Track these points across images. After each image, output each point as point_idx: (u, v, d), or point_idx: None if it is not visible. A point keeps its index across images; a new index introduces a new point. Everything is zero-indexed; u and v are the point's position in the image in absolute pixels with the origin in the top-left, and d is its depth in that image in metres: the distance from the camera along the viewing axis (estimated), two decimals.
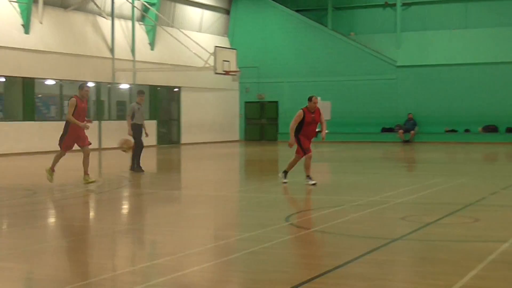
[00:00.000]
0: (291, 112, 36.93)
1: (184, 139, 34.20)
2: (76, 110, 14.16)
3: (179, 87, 34.17)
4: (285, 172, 14.50)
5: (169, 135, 34.27)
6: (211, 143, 34.86)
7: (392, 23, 37.44)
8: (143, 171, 17.15)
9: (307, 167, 14.12)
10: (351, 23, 38.60)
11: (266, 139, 37.95)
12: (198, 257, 7.38)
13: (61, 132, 14.40)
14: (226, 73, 30.23)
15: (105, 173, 18.51)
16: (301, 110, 14.26)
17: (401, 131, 34.77)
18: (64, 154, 14.54)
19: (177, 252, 7.58)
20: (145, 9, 32.36)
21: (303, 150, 14.17)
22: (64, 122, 14.58)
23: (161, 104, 33.62)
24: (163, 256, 7.44)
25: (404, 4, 37.14)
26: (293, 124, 14.19)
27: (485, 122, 34.06)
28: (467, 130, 34.35)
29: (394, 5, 37.26)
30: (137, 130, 17.45)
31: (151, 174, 17.66)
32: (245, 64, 35.81)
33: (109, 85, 30.61)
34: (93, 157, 25.00)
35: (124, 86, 31.43)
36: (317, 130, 14.89)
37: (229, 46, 36.66)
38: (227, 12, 38.85)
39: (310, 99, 14.34)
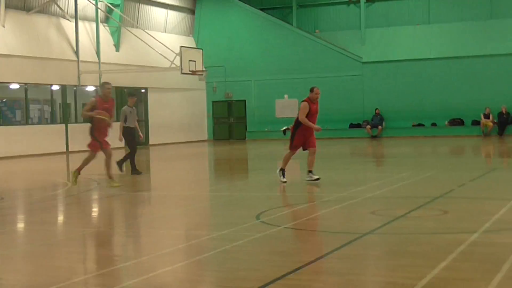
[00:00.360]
0: (259, 110, 37.27)
1: (152, 140, 34.04)
2: (97, 110, 13.40)
3: (145, 88, 34.00)
4: (282, 170, 14.10)
5: (137, 137, 34.06)
6: (180, 143, 34.75)
7: (357, 20, 37.69)
8: (140, 172, 17.12)
9: (309, 163, 13.93)
10: (316, 21, 38.79)
11: (234, 138, 37.94)
12: (170, 258, 7.35)
13: (89, 134, 13.74)
14: (193, 73, 30.17)
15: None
16: (305, 102, 13.91)
17: (368, 126, 35.01)
18: (94, 157, 13.91)
19: (149, 253, 7.54)
20: (108, 11, 32.13)
21: (292, 146, 13.97)
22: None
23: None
24: (135, 257, 7.40)
25: (367, 1, 37.41)
26: (302, 116, 13.74)
27: (451, 115, 34.44)
28: (433, 124, 34.70)
29: (358, 2, 37.52)
30: (130, 134, 17.19)
31: (121, 176, 17.51)
32: (211, 63, 35.78)
33: (74, 88, 30.33)
34: (60, 160, 24.83)
35: (90, 88, 31.18)
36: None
37: (194, 46, 36.59)
38: (191, 12, 38.75)
39: (312, 89, 14.11)
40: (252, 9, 38.28)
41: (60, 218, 11.15)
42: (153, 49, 31.00)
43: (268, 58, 37.51)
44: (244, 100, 37.96)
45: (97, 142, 13.60)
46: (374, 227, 8.62)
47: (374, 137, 34.49)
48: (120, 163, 17.17)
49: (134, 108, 17.38)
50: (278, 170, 14.14)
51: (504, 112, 33.15)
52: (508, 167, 17.88)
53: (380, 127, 34.73)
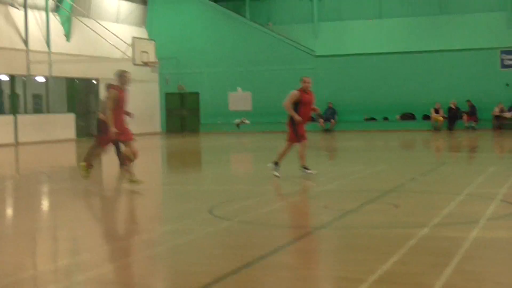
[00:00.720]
0: (212, 102, 37.15)
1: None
2: (119, 102, 12.64)
3: (97, 79, 33.58)
4: (276, 163, 13.53)
5: (88, 128, 33.66)
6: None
7: (310, 13, 37.83)
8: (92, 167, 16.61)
9: (302, 156, 13.52)
10: (269, 13, 38.81)
11: (187, 130, 37.75)
12: (121, 252, 7.27)
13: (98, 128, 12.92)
14: (145, 64, 29.91)
15: (22, 168, 18.02)
16: (296, 90, 13.56)
17: (321, 120, 35.19)
18: (104, 151, 13.55)
19: (99, 247, 7.44)
20: (59, 0, 31.62)
21: (297, 137, 13.44)
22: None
23: (78, 96, 32.97)
24: (85, 252, 7.29)
25: None
26: (287, 103, 13.44)
27: (403, 109, 34.85)
28: (385, 118, 35.05)
29: None
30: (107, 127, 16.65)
31: (71, 169, 17.29)
32: (164, 55, 35.49)
33: (24, 78, 29.79)
34: (9, 152, 24.39)
35: (40, 78, 30.65)
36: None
37: (147, 37, 36.25)
38: (144, 2, 38.37)
39: (302, 79, 13.80)
40: (205, 1, 38.11)
41: (8, 212, 10.93)
42: (105, 39, 30.62)
43: (221, 50, 37.40)
44: (197, 93, 37.79)
45: (106, 137, 12.94)
46: (326, 221, 8.65)
47: (327, 130, 34.68)
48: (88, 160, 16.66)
49: None
50: (272, 163, 13.64)
51: (453, 107, 33.68)
52: (457, 161, 18.17)
53: (332, 120, 34.95)
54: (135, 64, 29.24)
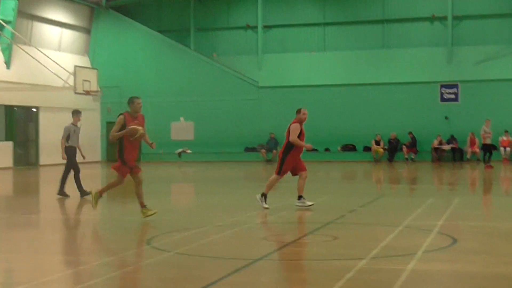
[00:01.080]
0: (154, 132, 36.87)
1: (42, 160, 33.05)
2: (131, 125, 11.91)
3: (37, 107, 33.05)
4: (265, 196, 13.38)
5: (27, 157, 33.04)
6: None
7: (254, 45, 38.12)
8: (87, 193, 15.97)
9: (300, 188, 13.54)
10: (213, 45, 38.95)
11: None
12: (55, 285, 7.09)
13: (118, 155, 12.14)
14: (87, 92, 29.61)
15: None
16: (296, 123, 13.53)
17: (263, 150, 35.31)
18: (122, 182, 12.40)
19: (33, 280, 7.24)
20: (0, 27, 31.13)
21: (281, 171, 13.40)
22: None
23: (17, 124, 32.39)
24: (19, 284, 7.08)
25: (265, 27, 37.91)
26: (294, 136, 13.39)
27: (344, 141, 35.27)
28: (327, 149, 35.37)
29: (256, 27, 37.95)
30: (72, 153, 16.25)
31: (6, 198, 16.89)
32: (106, 83, 35.24)
33: None
34: None
35: None
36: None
37: (89, 66, 35.94)
38: (87, 31, 38.09)
39: (299, 111, 13.81)
40: (149, 31, 38.06)
41: None
42: (46, 67, 30.21)
43: (165, 80, 37.34)
44: None
45: (126, 166, 12.05)
46: (265, 253, 8.62)
47: (268, 161, 34.78)
48: (61, 189, 16.33)
49: (78, 126, 16.48)
50: (259, 195, 13.42)
51: (393, 139, 34.23)
52: (396, 193, 18.40)
53: (274, 151, 35.07)
54: (76, 93, 28.95)
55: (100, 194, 12.51)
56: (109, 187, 12.61)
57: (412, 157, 33.53)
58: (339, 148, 35.25)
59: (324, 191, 18.53)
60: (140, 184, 12.07)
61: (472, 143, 32.96)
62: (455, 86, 34.90)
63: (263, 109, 36.25)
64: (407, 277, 7.20)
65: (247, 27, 38.29)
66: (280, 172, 13.47)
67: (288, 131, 13.56)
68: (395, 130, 34.26)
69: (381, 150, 34.09)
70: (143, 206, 11.95)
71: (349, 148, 35.28)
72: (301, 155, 13.68)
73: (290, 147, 13.48)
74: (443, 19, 35.93)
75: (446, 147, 33.76)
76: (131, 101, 12.24)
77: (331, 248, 9.07)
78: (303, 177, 13.56)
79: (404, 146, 33.93)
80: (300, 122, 13.68)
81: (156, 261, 8.14)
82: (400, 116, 34.73)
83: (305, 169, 13.60)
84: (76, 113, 16.55)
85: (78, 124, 16.57)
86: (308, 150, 13.77)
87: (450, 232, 10.14)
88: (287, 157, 13.46)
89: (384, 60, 35.96)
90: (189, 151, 36.40)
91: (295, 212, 13.07)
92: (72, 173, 16.39)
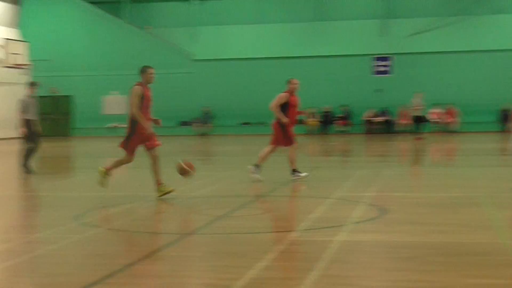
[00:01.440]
0: (87, 106, 36.31)
1: None
2: (144, 101, 11.16)
3: None
4: (257, 166, 13.37)
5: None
6: (1, 140, 33.08)
7: (189, 17, 37.75)
8: (30, 171, 15.28)
9: (292, 160, 13.35)
10: (147, 17, 38.43)
11: (59, 134, 36.68)
12: None
13: (126, 132, 11.28)
14: (16, 66, 28.86)
15: None
16: (284, 93, 13.34)
17: (198, 124, 35.16)
18: (131, 160, 11.46)
19: None
20: None
21: (285, 140, 13.30)
22: (129, 119, 11.29)
23: None
24: None
25: None
26: (275, 105, 13.25)
27: None
28: (261, 123, 35.43)
29: None
30: (31, 127, 15.47)
31: None
32: (37, 57, 34.40)
33: None
34: None
35: None
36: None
37: (20, 39, 34.99)
38: (17, 2, 37.04)
39: (289, 81, 13.62)
40: (82, 2, 37.28)
41: None
42: None
43: (97, 53, 36.70)
44: (70, 96, 36.81)
45: (132, 144, 11.18)
46: (196, 227, 8.58)
47: (203, 135, 34.67)
48: (25, 165, 15.46)
49: (34, 98, 15.65)
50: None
51: (327, 111, 34.52)
52: (329, 165, 18.57)
53: (208, 124, 34.99)
54: (5, 66, 28.15)
55: (107, 171, 11.52)
56: (117, 165, 11.57)
57: (346, 129, 33.91)
58: (273, 121, 35.35)
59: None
60: (157, 160, 11.13)
61: (403, 116, 33.53)
62: (388, 58, 35.36)
63: (198, 83, 36.02)
64: (337, 248, 7.25)
65: None
66: (291, 141, 13.41)
67: None
68: (329, 103, 34.54)
69: (315, 122, 34.33)
70: (159, 183, 11.07)
71: None
72: (292, 127, 13.56)
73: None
74: None
75: (378, 119, 34.24)
76: (143, 70, 11.35)
77: (262, 221, 9.08)
78: (294, 149, 13.54)
79: (337, 119, 34.28)
80: (291, 92, 13.53)
81: (86, 237, 8.01)
82: (334, 89, 35.02)
83: (295, 141, 13.51)
84: (33, 84, 15.90)
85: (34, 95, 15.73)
86: (285, 124, 13.50)
87: (379, 203, 10.28)
88: (286, 125, 13.35)
89: (318, 32, 36.11)
90: (122, 126, 35.95)
91: (228, 185, 13.05)
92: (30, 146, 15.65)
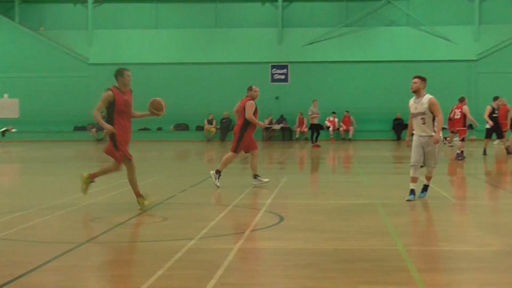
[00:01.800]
0: None
1: None
2: (116, 106, 10.42)
3: None
4: (219, 173, 13.55)
5: None
6: None
7: (84, 20, 37.01)
8: None
9: (254, 166, 13.63)
10: (40, 18, 37.44)
11: None
12: None
13: (108, 139, 10.44)
14: None
15: None
16: (251, 100, 13.48)
17: (94, 129, 34.49)
18: (119, 169, 10.55)
19: None
20: None
21: (237, 148, 13.58)
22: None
23: None
24: None
25: (95, 1, 36.91)
26: (250, 114, 13.36)
27: (177, 120, 35.20)
28: (159, 129, 35.15)
29: (86, 1, 36.85)
30: None
31: None
32: None
33: None
34: None
35: None
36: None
37: None
38: None
39: (250, 88, 13.72)
40: None
41: None
42: None
43: None
44: None
45: (120, 152, 10.33)
46: (92, 235, 8.38)
47: (99, 140, 34.05)
48: None
49: None
50: (214, 172, 13.49)
51: (226, 118, 34.62)
52: (228, 172, 18.55)
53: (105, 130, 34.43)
54: None
55: (91, 178, 10.73)
56: (103, 172, 10.79)
57: None
58: (171, 127, 35.15)
59: (155, 171, 18.34)
60: (134, 171, 10.41)
61: (301, 123, 34.05)
62: (285, 67, 35.84)
63: (93, 87, 35.30)
64: (234, 255, 7.26)
65: (76, 1, 37.09)
66: (236, 149, 13.61)
67: (243, 109, 13.56)
68: (227, 109, 34.63)
69: (213, 129, 34.38)
70: (139, 196, 10.42)
71: (181, 127, 35.28)
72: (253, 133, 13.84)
73: (247, 124, 13.53)
74: (273, 0, 36.67)
75: (277, 126, 34.64)
76: (119, 73, 10.58)
77: (160, 229, 8.97)
78: (255, 155, 13.74)
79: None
80: (253, 99, 13.67)
81: None
82: (232, 95, 35.06)
83: (257, 148, 13.79)
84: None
85: None
86: (262, 127, 13.95)
87: (277, 210, 10.36)
88: (245, 135, 13.53)
89: (217, 39, 36.20)
90: (14, 130, 34.83)
91: (126, 192, 12.82)
92: None
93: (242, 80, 35.33)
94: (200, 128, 35.02)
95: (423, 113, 10.91)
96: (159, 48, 36.18)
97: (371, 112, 34.77)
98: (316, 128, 28.89)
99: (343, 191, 13.09)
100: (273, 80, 35.88)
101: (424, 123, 10.94)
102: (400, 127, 34.28)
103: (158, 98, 11.05)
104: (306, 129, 33.27)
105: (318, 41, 36.04)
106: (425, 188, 11.38)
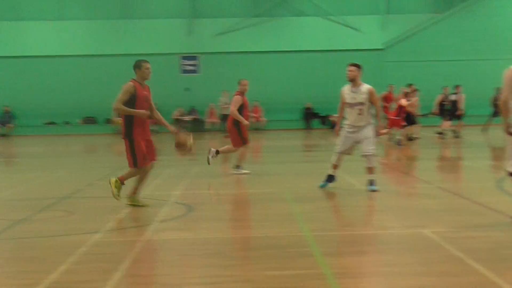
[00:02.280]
0: None
1: None
2: (137, 100, 9.65)
3: None
4: (239, 167, 13.90)
5: None
6: None
7: None
8: None
9: (242, 157, 13.87)
10: None
11: None
12: None
13: (127, 143, 9.66)
14: None
15: None
16: (238, 95, 13.67)
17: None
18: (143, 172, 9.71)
19: None
20: None
21: (242, 140, 13.70)
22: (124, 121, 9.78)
23: None
24: None
25: None
26: (234, 109, 13.62)
27: (85, 114, 34.50)
28: (67, 122, 34.40)
29: None
30: None
31: None
32: None
33: None
34: None
35: None
36: None
37: None
38: None
39: (239, 82, 13.90)
40: None
41: None
42: None
43: None
44: None
45: (141, 153, 9.54)
46: None
47: (3, 135, 33.04)
48: None
49: None
50: (235, 166, 13.97)
51: None
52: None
53: (9, 125, 33.39)
54: None
55: (121, 181, 9.84)
56: (128, 177, 9.85)
57: (155, 128, 33.76)
58: (79, 121, 34.45)
59: (62, 165, 17.95)
60: (147, 173, 9.78)
61: (212, 114, 34.00)
62: (195, 58, 35.68)
63: None
64: (141, 247, 7.18)
65: None
66: (244, 141, 13.75)
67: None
68: None
69: (121, 121, 33.90)
70: (134, 193, 9.78)
71: (90, 120, 34.63)
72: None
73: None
74: None
75: (187, 118, 34.47)
76: (137, 65, 9.90)
77: (65, 224, 8.76)
78: (246, 147, 13.95)
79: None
80: (242, 93, 13.79)
81: None
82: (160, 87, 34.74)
83: (248, 142, 13.94)
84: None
85: None
86: (245, 126, 13.87)
87: (186, 201, 10.30)
88: (240, 126, 13.68)
89: (124, 30, 35.64)
90: None
91: (30, 188, 12.50)
92: None
93: (152, 71, 35.01)
94: (108, 121, 34.45)
95: (362, 104, 10.69)
96: (65, 40, 35.29)
97: (282, 102, 35.04)
98: (227, 119, 28.85)
99: (253, 180, 13.13)
100: (184, 71, 35.66)
101: (360, 114, 10.72)
102: (309, 116, 34.71)
103: (185, 136, 10.46)
104: (217, 120, 33.24)
105: (228, 32, 35.99)
106: (371, 182, 10.84)
